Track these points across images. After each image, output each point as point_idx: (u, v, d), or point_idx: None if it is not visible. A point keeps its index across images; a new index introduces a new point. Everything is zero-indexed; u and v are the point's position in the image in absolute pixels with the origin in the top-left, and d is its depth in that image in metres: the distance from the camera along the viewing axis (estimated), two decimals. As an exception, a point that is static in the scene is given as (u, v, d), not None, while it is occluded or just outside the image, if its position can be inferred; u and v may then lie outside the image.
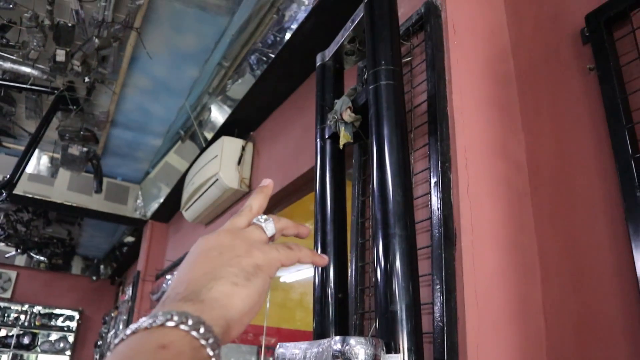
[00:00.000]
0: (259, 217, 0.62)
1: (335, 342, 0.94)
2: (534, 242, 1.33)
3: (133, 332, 0.44)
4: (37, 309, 9.89)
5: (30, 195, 5.48)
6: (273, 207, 3.36)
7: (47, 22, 3.04)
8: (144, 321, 0.45)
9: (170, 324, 0.44)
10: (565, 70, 1.35)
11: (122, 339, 0.44)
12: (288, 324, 5.52)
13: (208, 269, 0.52)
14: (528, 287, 1.27)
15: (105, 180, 5.42)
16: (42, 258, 9.29)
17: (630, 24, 1.19)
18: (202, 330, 0.44)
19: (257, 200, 0.64)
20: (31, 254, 8.94)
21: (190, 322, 0.44)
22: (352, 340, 0.93)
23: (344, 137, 1.35)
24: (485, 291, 1.19)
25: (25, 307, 9.77)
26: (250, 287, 0.52)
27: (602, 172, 1.20)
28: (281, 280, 5.36)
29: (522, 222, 1.34)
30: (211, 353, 0.44)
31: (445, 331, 1.14)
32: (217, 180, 3.44)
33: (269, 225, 0.61)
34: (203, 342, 0.44)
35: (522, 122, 1.45)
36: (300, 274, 5.14)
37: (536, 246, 1.32)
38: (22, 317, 9.69)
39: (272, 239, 0.61)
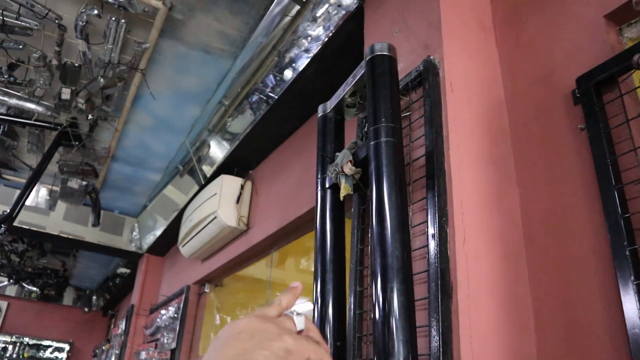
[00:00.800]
0: (291, 310, 0.63)
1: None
2: (528, 295, 1.36)
3: None
4: (26, 339, 9.75)
5: (26, 227, 5.48)
6: (271, 245, 3.38)
7: (54, 61, 3.11)
8: None
9: None
10: (558, 128, 1.41)
11: None
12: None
13: (240, 351, 0.52)
14: (523, 340, 1.30)
15: (101, 212, 5.43)
16: (34, 288, 9.21)
17: (618, 89, 1.25)
18: None
19: (287, 298, 0.65)
20: (23, 284, 8.87)
21: None
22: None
23: (345, 189, 1.39)
24: (481, 343, 1.22)
25: (14, 337, 9.63)
26: None
27: (593, 228, 1.24)
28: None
29: (517, 275, 1.38)
30: None
31: (442, 383, 1.16)
32: (215, 217, 3.47)
33: (300, 320, 0.61)
34: None
35: (516, 177, 1.50)
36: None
37: (530, 299, 1.35)
38: (10, 348, 9.55)
39: (299, 334, 0.61)
